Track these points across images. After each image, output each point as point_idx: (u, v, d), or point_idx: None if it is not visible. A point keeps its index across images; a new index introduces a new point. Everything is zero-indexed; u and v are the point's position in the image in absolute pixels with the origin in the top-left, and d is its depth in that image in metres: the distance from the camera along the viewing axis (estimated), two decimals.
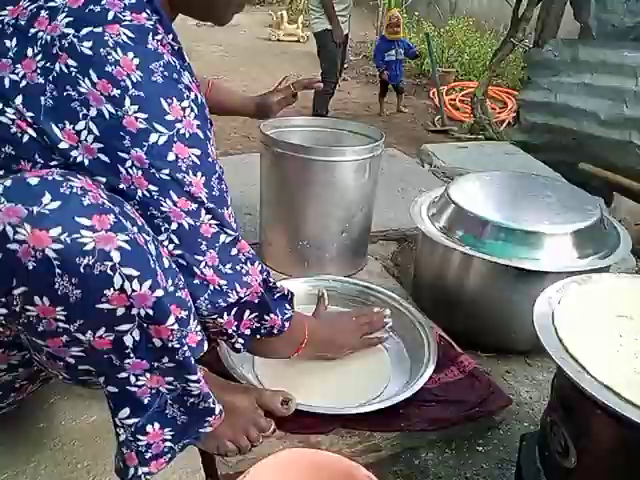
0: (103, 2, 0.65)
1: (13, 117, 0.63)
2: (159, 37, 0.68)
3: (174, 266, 0.69)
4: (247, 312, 0.81)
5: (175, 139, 0.67)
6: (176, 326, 0.65)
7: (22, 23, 0.64)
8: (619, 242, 1.28)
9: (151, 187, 0.66)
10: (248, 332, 0.83)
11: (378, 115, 4.52)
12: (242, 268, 0.77)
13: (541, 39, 2.86)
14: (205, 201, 0.70)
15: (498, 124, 4.18)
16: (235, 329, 0.81)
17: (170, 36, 0.71)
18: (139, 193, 0.66)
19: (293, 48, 7.46)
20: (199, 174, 0.69)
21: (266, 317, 0.84)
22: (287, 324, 0.87)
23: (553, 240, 1.21)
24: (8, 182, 0.58)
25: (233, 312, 0.79)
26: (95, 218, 0.59)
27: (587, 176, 2.33)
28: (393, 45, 4.23)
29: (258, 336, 0.85)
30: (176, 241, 0.69)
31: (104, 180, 0.65)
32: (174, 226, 0.68)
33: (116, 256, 0.59)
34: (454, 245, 1.26)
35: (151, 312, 0.62)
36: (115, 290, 0.59)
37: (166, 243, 0.69)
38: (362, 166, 1.43)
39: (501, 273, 1.21)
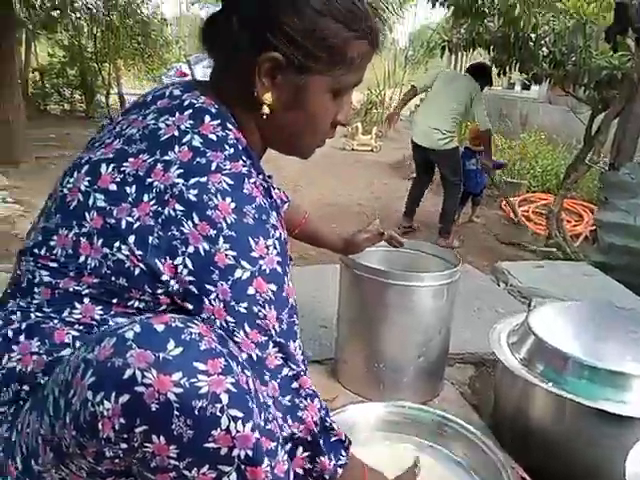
0: (208, 154, 0.75)
1: (127, 253, 0.73)
2: (253, 180, 0.78)
3: (266, 399, 0.73)
4: (300, 449, 0.80)
5: (257, 274, 0.73)
6: (269, 468, 0.67)
7: (141, 174, 0.75)
8: None
9: (229, 318, 0.72)
10: (300, 472, 0.82)
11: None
12: (301, 402, 0.79)
13: (617, 161, 2.89)
14: (274, 334, 0.75)
15: (574, 238, 4.12)
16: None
17: (261, 176, 0.81)
18: (217, 323, 0.72)
19: (366, 157, 7.84)
20: (273, 308, 0.75)
21: (317, 459, 0.82)
22: (339, 470, 0.85)
23: None
24: (137, 328, 0.65)
25: (286, 447, 0.78)
26: (209, 363, 0.64)
27: None
28: (475, 156, 4.38)
29: (310, 479, 0.84)
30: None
31: (190, 307, 0.72)
32: (244, 356, 0.73)
33: (225, 398, 0.63)
34: (535, 380, 1.24)
35: (251, 453, 0.65)
36: (222, 430, 0.63)
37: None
38: (440, 291, 1.46)
39: (585, 414, 1.17)
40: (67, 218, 0.77)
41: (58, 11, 8.78)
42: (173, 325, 0.66)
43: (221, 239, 0.71)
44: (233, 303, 0.72)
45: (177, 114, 0.79)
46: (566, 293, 2.17)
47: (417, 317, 1.46)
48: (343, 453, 0.86)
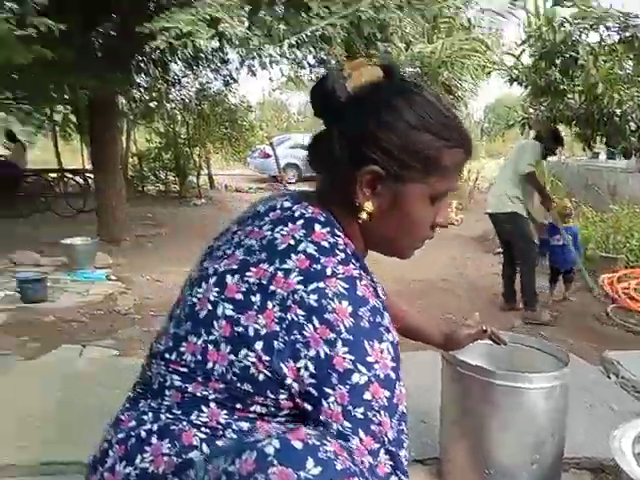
0: (322, 260, 0.79)
1: (254, 360, 0.76)
2: (364, 282, 0.81)
3: None
4: None
5: (373, 380, 0.75)
6: None
7: (264, 282, 0.79)
8: None
9: (345, 423, 0.73)
10: None
11: (546, 304, 4.35)
12: None
13: None
14: (386, 442, 0.75)
15: None
16: None
17: (369, 277, 0.84)
18: (334, 427, 0.73)
19: (447, 231, 7.75)
20: (386, 414, 0.76)
21: None
22: None
23: None
24: (277, 444, 0.68)
25: None
26: None
27: None
28: (560, 231, 4.23)
29: None
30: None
31: (310, 409, 0.74)
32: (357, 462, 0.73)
33: None
34: None
35: None
36: None
37: None
38: (551, 392, 1.40)
39: None
40: (196, 326, 0.83)
41: (155, 102, 9.67)
42: (310, 443, 0.68)
43: (339, 342, 0.74)
44: (350, 408, 0.74)
45: (290, 224, 0.85)
46: None
47: (527, 419, 1.40)
48: None
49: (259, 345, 0.77)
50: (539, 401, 1.39)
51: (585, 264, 4.60)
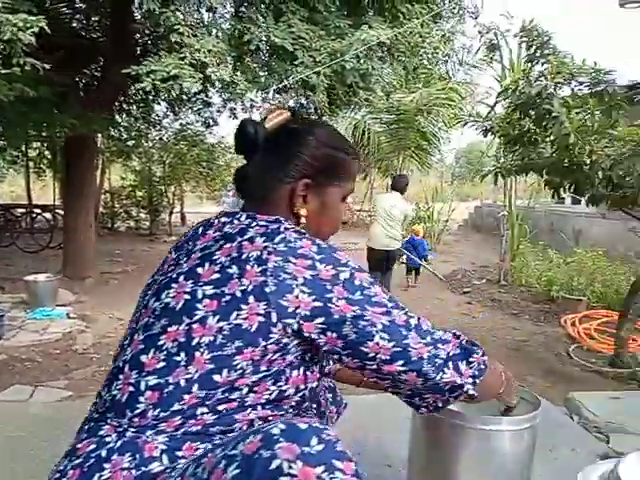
0: (274, 226, 0.95)
1: (245, 315, 0.87)
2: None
3: None
4: (460, 363, 0.98)
5: (353, 271, 0.93)
6: None
7: (234, 255, 0.90)
8: None
9: (354, 308, 0.89)
10: (470, 380, 0.99)
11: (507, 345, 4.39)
12: (435, 332, 0.97)
13: None
14: (388, 305, 0.93)
15: None
16: (460, 380, 0.98)
17: None
18: (349, 315, 0.89)
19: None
20: (375, 287, 0.95)
21: (471, 359, 1.00)
22: (486, 357, 1.03)
23: None
24: (282, 426, 0.72)
25: (451, 367, 0.97)
26: (345, 464, 0.71)
27: None
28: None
29: (477, 380, 1.00)
30: (386, 337, 0.90)
31: (322, 323, 0.88)
32: (379, 326, 0.90)
33: None
34: None
35: None
36: None
37: (380, 342, 0.90)
38: (520, 435, 1.38)
39: None
40: (175, 317, 0.89)
41: (133, 141, 9.63)
42: (314, 425, 0.74)
43: (317, 262, 0.89)
44: (350, 296, 0.89)
45: (235, 221, 0.99)
46: None
47: (496, 464, 1.37)
48: (478, 344, 1.05)
49: (251, 299, 0.85)
50: (510, 444, 1.38)
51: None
